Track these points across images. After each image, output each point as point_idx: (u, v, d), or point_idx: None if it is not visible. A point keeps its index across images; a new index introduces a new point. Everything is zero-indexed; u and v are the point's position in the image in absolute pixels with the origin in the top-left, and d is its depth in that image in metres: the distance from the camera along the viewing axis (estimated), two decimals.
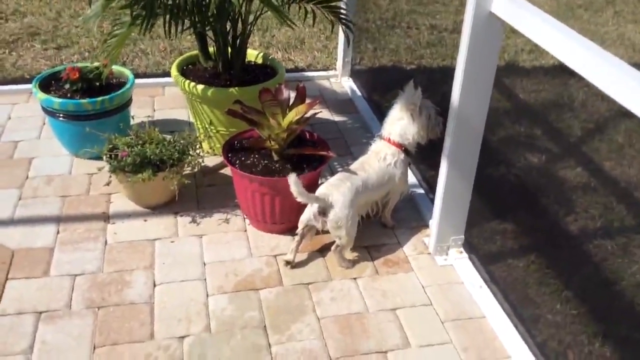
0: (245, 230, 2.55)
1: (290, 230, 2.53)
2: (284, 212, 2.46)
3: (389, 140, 2.45)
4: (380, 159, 2.42)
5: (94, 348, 1.97)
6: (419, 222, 2.66)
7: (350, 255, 2.41)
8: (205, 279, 2.27)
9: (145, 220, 2.57)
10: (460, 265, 2.41)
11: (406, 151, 2.45)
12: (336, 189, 2.30)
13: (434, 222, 2.45)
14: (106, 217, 2.57)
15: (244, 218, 2.61)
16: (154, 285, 2.23)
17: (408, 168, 2.53)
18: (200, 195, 2.74)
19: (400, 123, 2.42)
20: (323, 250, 2.45)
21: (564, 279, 2.42)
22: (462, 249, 2.48)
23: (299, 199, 2.22)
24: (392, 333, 2.09)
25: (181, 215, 2.61)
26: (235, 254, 2.41)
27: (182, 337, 2.02)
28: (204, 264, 2.35)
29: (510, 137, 3.49)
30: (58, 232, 2.46)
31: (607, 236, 2.72)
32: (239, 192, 2.55)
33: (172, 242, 2.46)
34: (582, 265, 2.57)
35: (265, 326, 2.08)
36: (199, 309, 2.14)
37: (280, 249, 2.45)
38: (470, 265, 2.41)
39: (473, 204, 2.39)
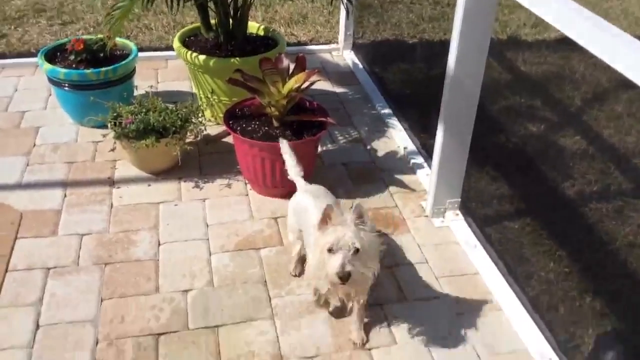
0: (247, 195, 2.62)
1: (291, 194, 2.59)
2: (284, 176, 2.51)
3: None
4: None
5: (102, 300, 2.04)
6: (418, 187, 2.72)
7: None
8: (207, 239, 2.34)
9: (150, 185, 2.64)
10: (457, 226, 2.47)
11: None
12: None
13: (430, 185, 2.50)
14: (111, 182, 2.64)
15: (246, 183, 2.68)
16: (159, 244, 2.30)
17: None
18: (203, 163, 2.81)
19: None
20: None
21: (558, 240, 2.47)
22: (458, 212, 2.54)
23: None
24: (388, 288, 2.15)
25: (184, 181, 2.68)
26: (237, 216, 2.48)
27: (186, 291, 2.10)
28: (207, 225, 2.42)
29: (510, 107, 3.52)
30: (65, 196, 2.54)
31: (603, 200, 2.76)
32: (240, 157, 2.61)
33: (175, 205, 2.53)
34: (577, 228, 2.62)
35: (265, 281, 2.15)
36: (202, 266, 2.21)
37: (281, 212, 2.51)
38: (466, 227, 2.47)
39: (472, 169, 2.43)
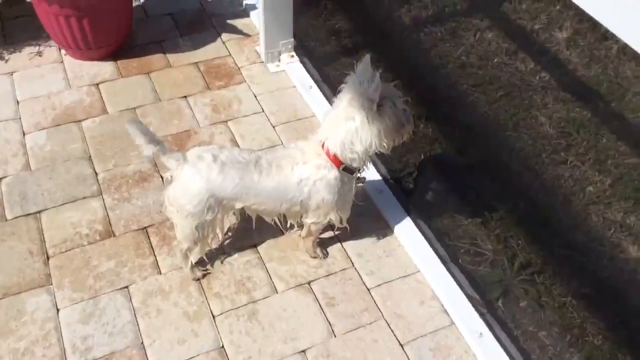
0: (62, 62, 2.35)
1: (112, 54, 2.36)
2: (97, 35, 2.26)
3: (323, 148, 1.52)
4: (295, 165, 1.54)
5: None
6: (252, 31, 2.56)
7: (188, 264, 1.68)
8: (19, 118, 2.11)
9: None
10: (292, 69, 2.38)
11: (347, 169, 1.55)
12: (193, 164, 1.49)
13: (260, 26, 2.35)
14: None
15: (59, 48, 2.39)
16: None
17: (353, 187, 1.62)
18: (7, 29, 2.45)
19: (348, 126, 1.48)
20: (150, 72, 2.33)
21: (393, 69, 2.46)
22: (293, 53, 2.44)
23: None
24: (224, 144, 2.08)
25: None
26: (51, 88, 2.24)
27: None
28: (17, 102, 2.17)
29: None
30: None
31: (438, 23, 2.76)
32: (43, 18, 2.28)
33: None
34: (411, 52, 2.63)
35: (90, 156, 2.00)
36: (16, 149, 2.01)
37: (102, 77, 2.29)
38: (302, 68, 2.39)
39: (309, 5, 2.25)
